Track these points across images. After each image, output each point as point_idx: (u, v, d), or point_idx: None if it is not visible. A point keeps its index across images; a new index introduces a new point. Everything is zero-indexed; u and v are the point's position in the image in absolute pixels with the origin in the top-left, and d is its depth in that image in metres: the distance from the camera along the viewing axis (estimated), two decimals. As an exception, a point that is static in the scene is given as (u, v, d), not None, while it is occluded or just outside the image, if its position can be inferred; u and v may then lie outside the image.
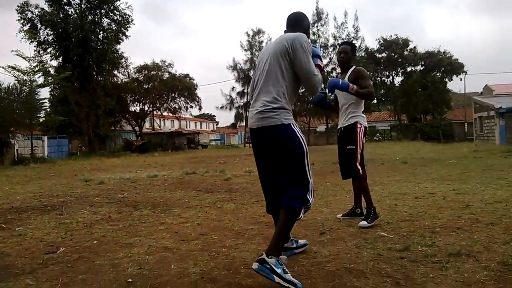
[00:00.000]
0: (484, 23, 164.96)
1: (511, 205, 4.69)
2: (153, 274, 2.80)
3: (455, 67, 40.52)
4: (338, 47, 3.99)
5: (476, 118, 29.76)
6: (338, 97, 4.24)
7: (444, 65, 40.29)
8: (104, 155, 24.02)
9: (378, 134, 41.89)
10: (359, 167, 3.99)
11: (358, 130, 4.01)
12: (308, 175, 2.69)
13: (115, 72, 30.62)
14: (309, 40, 2.85)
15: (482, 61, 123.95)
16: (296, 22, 3.02)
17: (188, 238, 3.75)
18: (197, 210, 5.18)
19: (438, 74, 40.90)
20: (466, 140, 33.72)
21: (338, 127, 4.25)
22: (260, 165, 2.91)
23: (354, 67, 4.11)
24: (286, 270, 2.49)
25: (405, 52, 40.77)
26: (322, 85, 3.12)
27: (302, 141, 2.70)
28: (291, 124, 2.69)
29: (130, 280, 2.70)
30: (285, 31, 3.02)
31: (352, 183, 4.32)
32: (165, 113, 40.03)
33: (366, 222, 3.92)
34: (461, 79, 43.24)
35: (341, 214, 4.45)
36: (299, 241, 3.22)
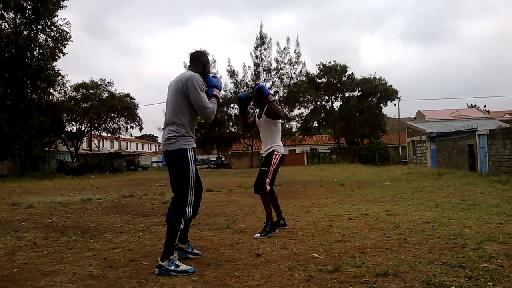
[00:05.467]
0: (415, 51, 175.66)
1: (438, 226, 4.90)
2: (75, 304, 2.64)
3: (389, 93, 42.58)
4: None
5: (410, 142, 31.44)
6: (259, 130, 5.05)
7: (379, 91, 42.21)
8: (36, 177, 22.58)
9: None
10: (267, 186, 4.74)
11: (274, 156, 4.81)
12: (189, 191, 3.37)
13: (51, 90, 29.17)
14: (210, 74, 3.74)
15: (414, 87, 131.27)
16: (195, 59, 3.73)
17: (117, 264, 3.58)
18: (130, 235, 4.98)
19: (374, 100, 42.71)
20: (401, 163, 35.39)
21: (263, 155, 4.98)
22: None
23: (267, 105, 4.86)
24: (178, 264, 3.26)
25: (343, 78, 42.34)
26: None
27: (190, 164, 3.38)
28: (187, 149, 3.40)
29: (49, 310, 2.53)
30: (189, 66, 3.74)
31: (261, 198, 4.86)
32: (104, 134, 38.54)
33: (259, 235, 4.58)
34: (395, 105, 45.82)
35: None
36: (194, 250, 3.83)
